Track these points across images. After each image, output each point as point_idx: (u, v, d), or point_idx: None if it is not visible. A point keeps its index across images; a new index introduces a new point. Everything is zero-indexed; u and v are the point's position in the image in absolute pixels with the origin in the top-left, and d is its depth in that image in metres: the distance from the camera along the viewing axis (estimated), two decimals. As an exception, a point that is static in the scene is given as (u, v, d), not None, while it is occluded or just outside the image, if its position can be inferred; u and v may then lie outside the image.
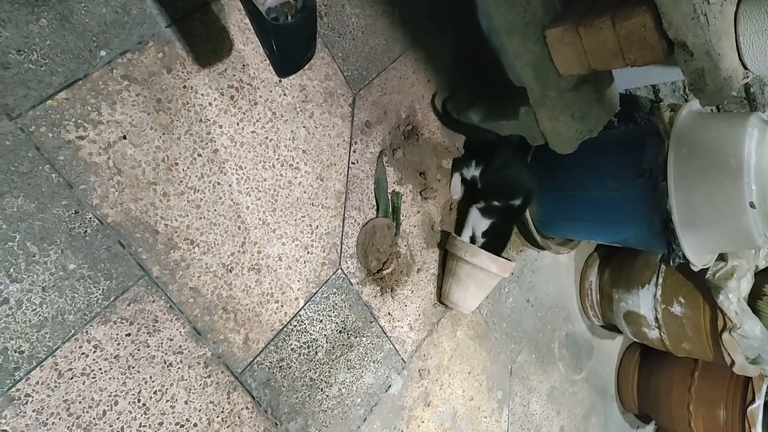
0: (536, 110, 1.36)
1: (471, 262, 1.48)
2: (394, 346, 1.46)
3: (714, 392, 1.98)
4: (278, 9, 0.75)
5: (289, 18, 0.77)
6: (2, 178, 0.86)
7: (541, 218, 1.79)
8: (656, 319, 1.88)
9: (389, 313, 1.45)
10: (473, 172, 1.56)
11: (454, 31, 1.61)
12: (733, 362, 1.69)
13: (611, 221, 1.63)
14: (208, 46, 1.10)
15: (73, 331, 0.93)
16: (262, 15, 0.72)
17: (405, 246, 1.50)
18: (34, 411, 0.89)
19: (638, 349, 2.36)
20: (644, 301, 1.91)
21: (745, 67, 1.20)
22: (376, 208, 1.42)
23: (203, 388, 1.09)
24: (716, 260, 1.63)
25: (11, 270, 0.87)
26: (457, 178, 1.60)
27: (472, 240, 1.53)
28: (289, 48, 0.82)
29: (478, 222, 1.52)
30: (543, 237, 1.84)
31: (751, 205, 1.27)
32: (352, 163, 1.37)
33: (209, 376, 1.10)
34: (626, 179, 1.52)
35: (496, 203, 1.52)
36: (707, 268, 1.63)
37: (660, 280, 1.87)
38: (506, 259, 1.52)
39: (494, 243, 1.53)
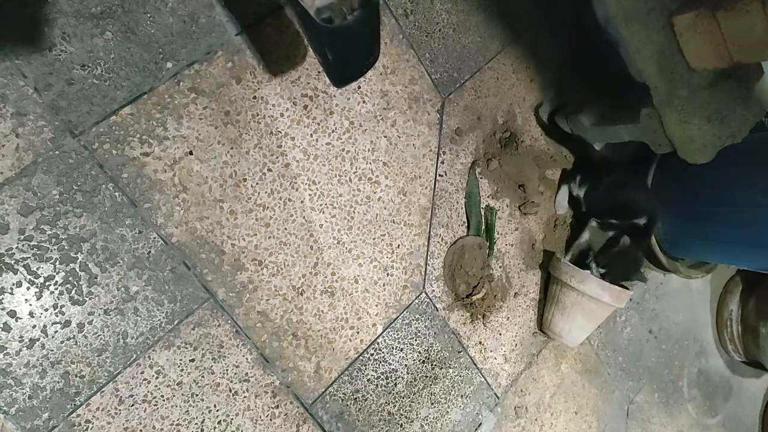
0: (661, 112, 1.14)
1: (578, 288, 1.28)
2: (485, 379, 1.30)
3: None
4: (332, 7, 0.64)
5: (347, 18, 0.65)
6: (65, 197, 0.84)
7: (667, 237, 1.53)
8: (818, 362, 1.54)
9: (480, 342, 1.29)
10: (577, 191, 1.36)
11: (563, 23, 1.41)
12: None
13: (758, 244, 1.34)
14: (281, 53, 1.02)
15: (135, 356, 0.89)
16: (311, 17, 0.61)
17: (500, 267, 1.33)
18: (93, 437, 0.86)
19: (792, 393, 1.98)
20: (801, 340, 1.57)
21: None
22: (466, 225, 1.27)
23: (270, 419, 1.02)
24: None
25: (73, 292, 0.84)
26: (564, 191, 1.40)
27: (583, 262, 1.33)
28: (346, 53, 0.70)
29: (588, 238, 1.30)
30: (670, 258, 1.57)
31: None
32: (440, 175, 1.23)
33: (277, 407, 1.03)
34: (780, 193, 1.24)
35: (614, 221, 1.31)
36: None
37: (824, 316, 1.52)
38: (622, 286, 1.30)
39: (614, 268, 1.31)
